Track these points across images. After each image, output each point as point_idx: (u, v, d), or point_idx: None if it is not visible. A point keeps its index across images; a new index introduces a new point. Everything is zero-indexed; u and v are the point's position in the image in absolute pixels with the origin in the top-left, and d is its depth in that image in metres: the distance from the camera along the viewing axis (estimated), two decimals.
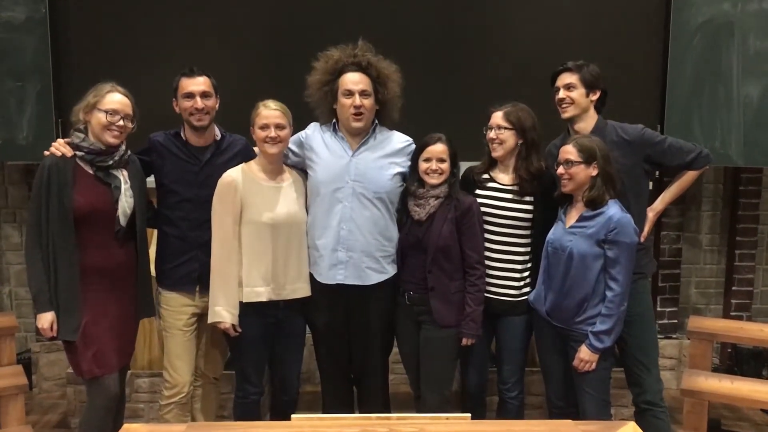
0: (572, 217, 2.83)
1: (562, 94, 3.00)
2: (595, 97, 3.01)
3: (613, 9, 3.85)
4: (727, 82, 3.85)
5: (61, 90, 3.76)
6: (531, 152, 2.96)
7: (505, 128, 2.93)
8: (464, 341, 2.94)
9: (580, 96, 2.98)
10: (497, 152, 2.96)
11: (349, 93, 2.91)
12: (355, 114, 2.91)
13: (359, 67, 2.93)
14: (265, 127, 2.86)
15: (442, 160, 2.88)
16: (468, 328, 2.91)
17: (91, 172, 2.76)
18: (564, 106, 3.01)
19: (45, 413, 3.99)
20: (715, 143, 3.86)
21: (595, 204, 2.76)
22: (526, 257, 3.00)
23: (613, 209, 2.74)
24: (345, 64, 2.94)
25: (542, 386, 3.13)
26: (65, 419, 3.85)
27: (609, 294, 2.74)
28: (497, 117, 2.95)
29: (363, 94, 2.91)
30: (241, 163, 2.97)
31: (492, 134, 2.95)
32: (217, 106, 2.99)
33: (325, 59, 2.98)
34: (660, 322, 4.27)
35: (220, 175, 2.91)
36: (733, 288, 4.42)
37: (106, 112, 2.73)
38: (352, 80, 2.92)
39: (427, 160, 2.89)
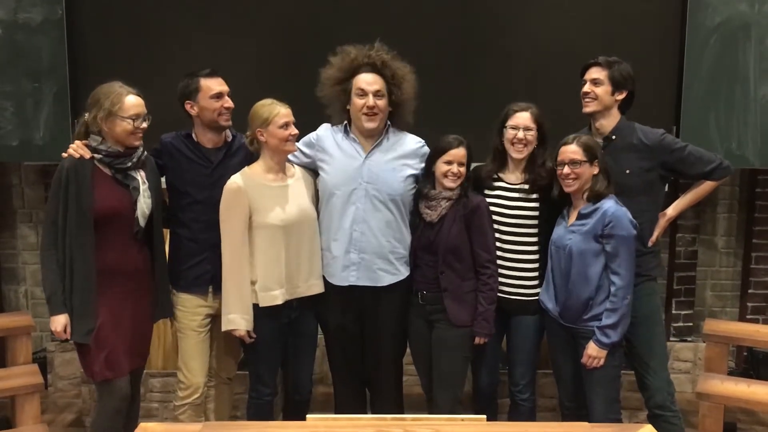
0: (573, 216, 2.85)
1: (587, 87, 2.96)
2: (620, 96, 2.96)
3: (629, 10, 3.81)
4: (743, 83, 3.80)
5: (78, 91, 3.76)
6: (546, 152, 2.96)
7: (534, 129, 2.90)
8: (477, 340, 2.94)
9: (604, 93, 2.94)
10: (522, 153, 2.92)
11: (363, 93, 2.90)
12: (368, 114, 2.91)
13: (374, 68, 2.92)
14: (287, 125, 2.87)
15: (462, 164, 2.88)
16: (481, 328, 2.92)
17: (109, 174, 2.76)
18: (587, 100, 2.97)
19: (60, 412, 4.02)
20: (732, 145, 3.82)
21: (600, 197, 2.77)
22: (537, 255, 2.98)
23: (608, 204, 2.76)
24: (360, 64, 2.93)
25: (555, 388, 3.12)
26: (80, 418, 3.89)
27: (612, 288, 2.74)
28: (524, 118, 2.90)
29: (377, 94, 2.90)
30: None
31: (521, 135, 2.90)
32: None
33: (342, 56, 2.97)
34: (675, 325, 4.24)
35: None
36: (749, 291, 4.38)
37: (132, 119, 2.72)
38: (366, 80, 2.91)
39: (449, 162, 2.87)
